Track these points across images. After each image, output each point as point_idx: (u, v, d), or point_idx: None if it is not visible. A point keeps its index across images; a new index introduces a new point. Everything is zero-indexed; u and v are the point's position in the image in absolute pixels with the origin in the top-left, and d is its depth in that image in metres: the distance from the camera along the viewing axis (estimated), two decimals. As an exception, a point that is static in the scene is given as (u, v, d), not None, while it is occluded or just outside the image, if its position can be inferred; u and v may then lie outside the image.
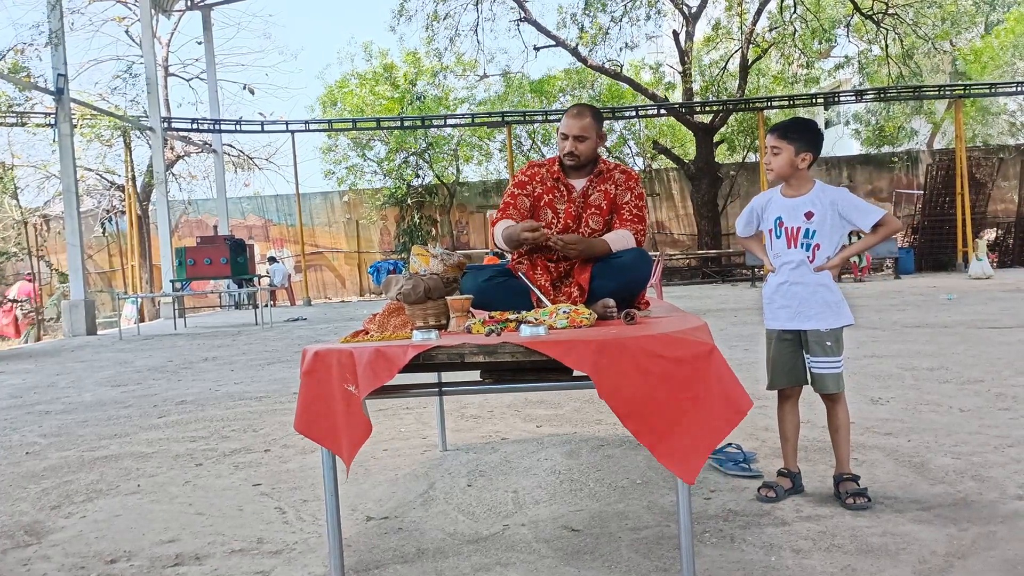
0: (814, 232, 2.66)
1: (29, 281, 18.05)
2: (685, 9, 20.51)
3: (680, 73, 21.20)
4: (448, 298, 2.47)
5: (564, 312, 2.39)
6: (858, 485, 2.63)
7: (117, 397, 5.95)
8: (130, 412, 5.22)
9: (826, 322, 2.64)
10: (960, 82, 21.09)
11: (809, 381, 2.72)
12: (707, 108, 20.36)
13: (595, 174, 3.03)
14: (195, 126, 20.12)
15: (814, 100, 19.96)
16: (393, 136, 21.98)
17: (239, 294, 17.67)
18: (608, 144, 23.44)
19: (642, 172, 23.04)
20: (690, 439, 1.95)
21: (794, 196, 2.72)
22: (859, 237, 2.82)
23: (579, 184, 3.03)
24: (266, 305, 14.74)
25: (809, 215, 2.67)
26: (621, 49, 20.43)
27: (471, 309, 2.55)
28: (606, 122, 22.32)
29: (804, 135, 2.68)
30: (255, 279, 16.95)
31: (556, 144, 3.13)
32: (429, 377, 2.84)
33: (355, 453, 2.11)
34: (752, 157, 22.33)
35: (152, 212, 20.47)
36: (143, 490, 3.28)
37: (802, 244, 2.67)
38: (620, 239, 2.89)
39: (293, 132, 20.08)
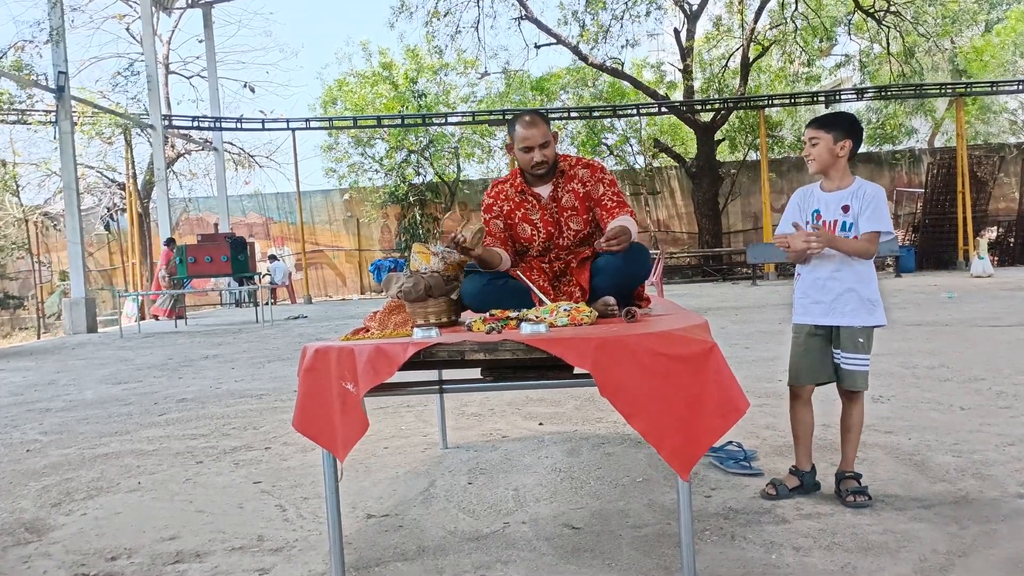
0: (851, 225, 2.64)
1: (167, 246, 16.24)
2: (686, 7, 20.48)
3: (681, 71, 21.18)
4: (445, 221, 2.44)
5: (565, 310, 2.39)
6: (859, 484, 2.62)
7: (118, 395, 5.95)
8: (131, 410, 5.23)
9: (861, 319, 2.62)
10: (961, 80, 21.07)
11: (835, 379, 2.69)
12: (708, 106, 20.34)
13: (558, 175, 2.99)
14: (196, 124, 20.13)
15: (815, 98, 19.92)
16: (394, 134, 21.97)
17: (239, 292, 17.67)
18: (609, 142, 23.43)
19: (643, 170, 23.02)
20: (688, 436, 1.95)
21: (834, 190, 2.70)
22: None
23: (545, 191, 2.99)
24: (266, 303, 14.75)
25: (846, 208, 2.65)
26: (622, 47, 20.42)
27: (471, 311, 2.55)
28: (607, 120, 22.42)
29: (841, 124, 2.68)
30: (255, 277, 16.94)
31: (517, 158, 3.05)
32: (430, 375, 2.84)
33: (349, 450, 2.11)
34: (753, 155, 22.31)
35: (153, 210, 20.48)
36: (144, 488, 3.29)
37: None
38: (631, 224, 2.80)
39: (294, 130, 20.08)
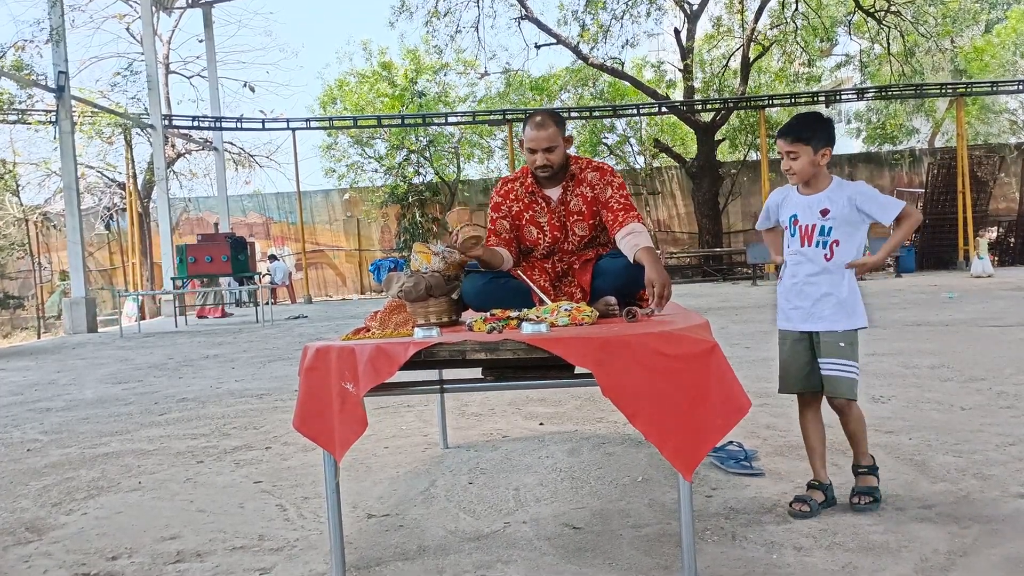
0: (830, 229, 2.56)
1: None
2: (686, 7, 20.48)
3: (681, 71, 21.18)
4: (449, 214, 2.44)
5: (566, 310, 2.39)
6: (870, 483, 2.57)
7: (118, 394, 5.95)
8: (131, 409, 5.22)
9: (839, 323, 2.54)
10: (961, 80, 21.07)
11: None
12: (708, 106, 20.34)
13: (568, 178, 2.95)
14: (196, 124, 20.12)
15: (815, 98, 19.92)
16: (393, 134, 21.96)
17: (240, 292, 17.66)
18: (609, 142, 23.43)
19: (643, 170, 23.01)
20: (692, 436, 1.95)
21: (810, 193, 2.62)
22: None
23: (555, 194, 2.96)
24: (267, 303, 14.74)
25: (824, 212, 2.57)
26: (622, 47, 20.42)
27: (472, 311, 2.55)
28: (607, 120, 22.41)
29: (817, 131, 2.57)
30: (256, 277, 16.94)
31: (524, 157, 3.00)
32: (430, 374, 2.84)
33: (346, 450, 2.11)
34: (753, 155, 22.31)
35: (153, 210, 20.49)
36: (144, 487, 3.28)
37: (817, 242, 2.57)
38: (646, 235, 2.77)
39: (294, 130, 20.07)
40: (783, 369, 2.67)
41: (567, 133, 2.94)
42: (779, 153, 2.64)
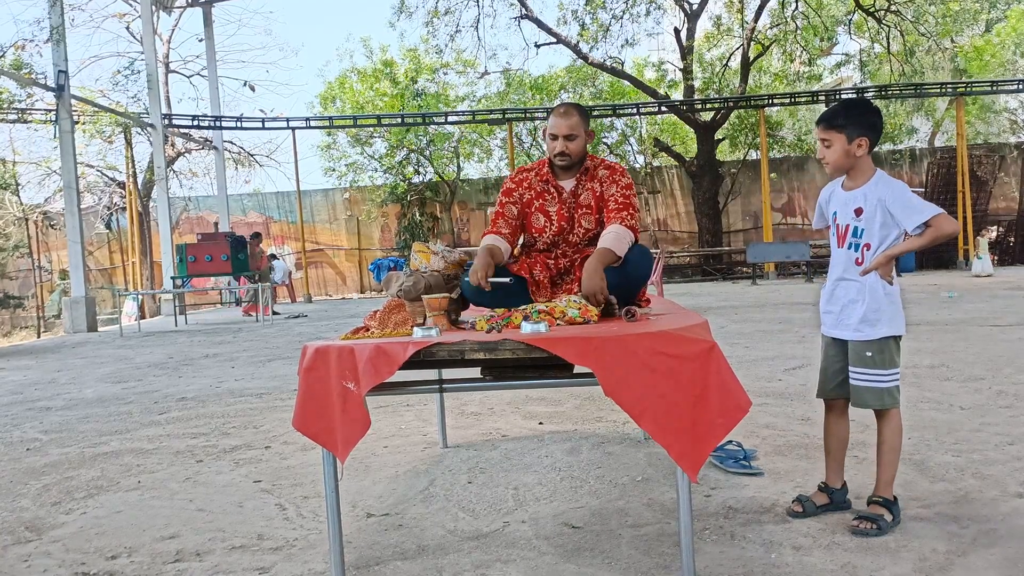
0: (862, 231, 2.43)
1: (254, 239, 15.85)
2: (686, 6, 20.47)
3: (681, 70, 21.17)
4: (425, 297, 2.43)
5: (575, 302, 2.39)
6: (880, 511, 2.39)
7: (118, 393, 5.95)
8: (131, 408, 5.23)
9: (863, 332, 2.42)
10: (961, 80, 21.07)
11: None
12: (708, 105, 20.34)
13: (582, 172, 2.99)
14: (196, 123, 20.10)
15: (815, 98, 19.92)
16: (393, 133, 21.95)
17: (241, 290, 17.66)
18: (609, 141, 23.41)
19: (643, 169, 23.00)
20: (694, 436, 1.95)
21: (851, 188, 2.48)
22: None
23: (568, 185, 2.99)
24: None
25: (858, 212, 2.43)
26: (622, 46, 20.40)
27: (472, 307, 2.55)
28: (607, 119, 22.39)
29: (856, 119, 2.42)
30: (255, 276, 16.93)
31: (545, 145, 3.05)
32: (430, 374, 2.84)
33: (350, 449, 2.11)
34: (753, 155, 22.30)
35: (153, 209, 20.48)
36: (144, 486, 3.29)
37: (850, 244, 2.46)
38: (616, 238, 2.76)
39: (294, 129, 20.07)
40: (821, 374, 2.60)
41: (589, 129, 2.99)
42: (816, 140, 2.54)
